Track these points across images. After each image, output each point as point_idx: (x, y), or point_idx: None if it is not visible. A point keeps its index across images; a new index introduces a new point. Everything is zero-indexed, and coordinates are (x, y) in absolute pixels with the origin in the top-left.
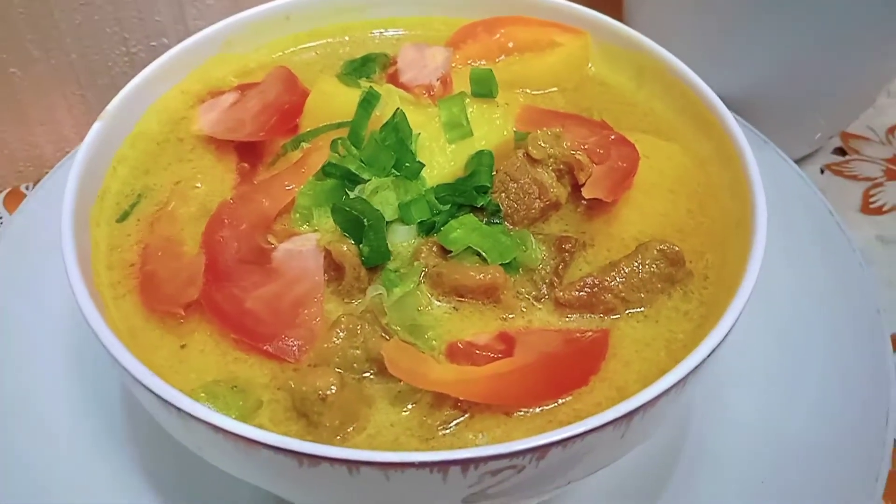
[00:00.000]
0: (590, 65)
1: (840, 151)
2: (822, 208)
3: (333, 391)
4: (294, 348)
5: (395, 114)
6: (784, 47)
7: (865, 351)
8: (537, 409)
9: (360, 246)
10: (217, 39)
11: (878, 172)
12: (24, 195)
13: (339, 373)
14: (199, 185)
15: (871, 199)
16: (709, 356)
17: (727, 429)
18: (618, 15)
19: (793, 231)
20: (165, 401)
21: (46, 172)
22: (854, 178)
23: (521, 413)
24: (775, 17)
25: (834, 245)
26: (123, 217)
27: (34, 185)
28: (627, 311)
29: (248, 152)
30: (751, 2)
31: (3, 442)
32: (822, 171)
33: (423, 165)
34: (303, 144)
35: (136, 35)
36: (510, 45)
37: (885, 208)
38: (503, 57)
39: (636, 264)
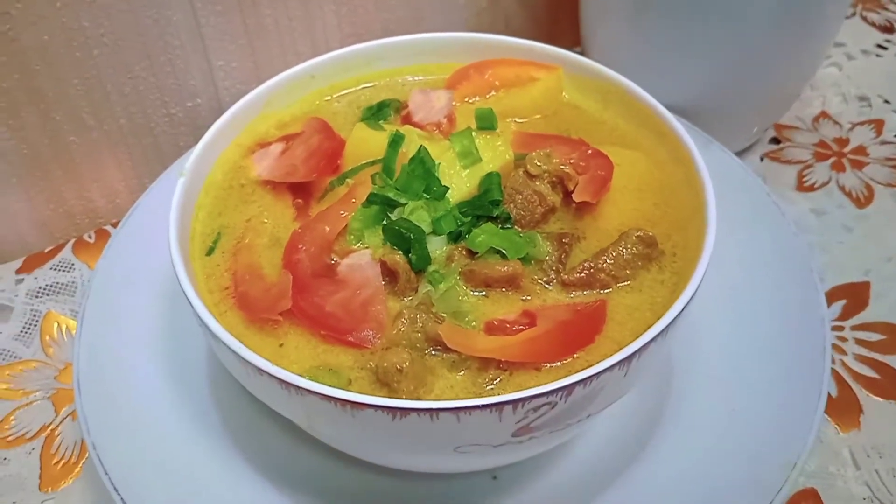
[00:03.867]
0: (564, 94)
1: (775, 141)
2: (762, 191)
3: (407, 364)
4: (370, 337)
5: (419, 150)
6: (717, 61)
7: (803, 300)
8: (559, 364)
9: (409, 255)
10: (260, 100)
11: (808, 156)
12: (89, 243)
13: (408, 351)
14: (266, 220)
15: (804, 179)
16: (682, 311)
17: (700, 370)
18: (576, 43)
19: (739, 211)
20: (287, 383)
21: (100, 223)
22: (788, 162)
23: (547, 367)
24: (708, 39)
25: (772, 219)
26: (210, 252)
27: (95, 234)
28: (618, 285)
29: (300, 190)
30: (684, 27)
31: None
32: (761, 159)
33: (448, 189)
34: (347, 181)
35: (174, 98)
36: (497, 82)
37: (816, 185)
38: (493, 93)
39: (621, 248)
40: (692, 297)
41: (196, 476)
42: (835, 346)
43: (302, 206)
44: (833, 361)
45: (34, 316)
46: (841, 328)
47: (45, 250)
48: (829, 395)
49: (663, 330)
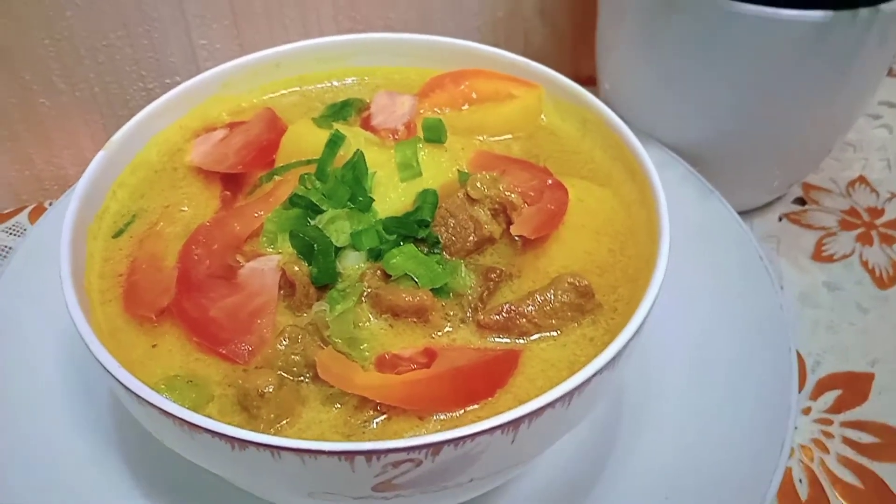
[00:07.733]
0: (543, 116)
1: (800, 201)
2: (754, 253)
3: (271, 390)
4: (245, 352)
5: (354, 154)
6: (733, 103)
7: (773, 384)
8: (446, 416)
9: (310, 267)
10: (217, 81)
11: (833, 222)
12: (46, 209)
13: (281, 375)
14: (185, 208)
15: (824, 248)
16: (592, 377)
17: (646, 443)
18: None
19: (722, 271)
20: (129, 389)
21: None
22: (810, 226)
23: (433, 418)
24: (724, 78)
25: (759, 286)
26: (118, 234)
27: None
28: (540, 335)
29: (232, 182)
30: (700, 61)
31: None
32: (780, 219)
33: (373, 200)
34: (275, 177)
35: (151, 73)
36: (473, 95)
37: (835, 256)
38: (467, 105)
39: (549, 294)
40: (607, 364)
41: (68, 485)
42: (817, 443)
43: (229, 198)
44: (811, 459)
45: None
46: (829, 422)
47: (5, 211)
48: (800, 498)
49: (564, 396)
